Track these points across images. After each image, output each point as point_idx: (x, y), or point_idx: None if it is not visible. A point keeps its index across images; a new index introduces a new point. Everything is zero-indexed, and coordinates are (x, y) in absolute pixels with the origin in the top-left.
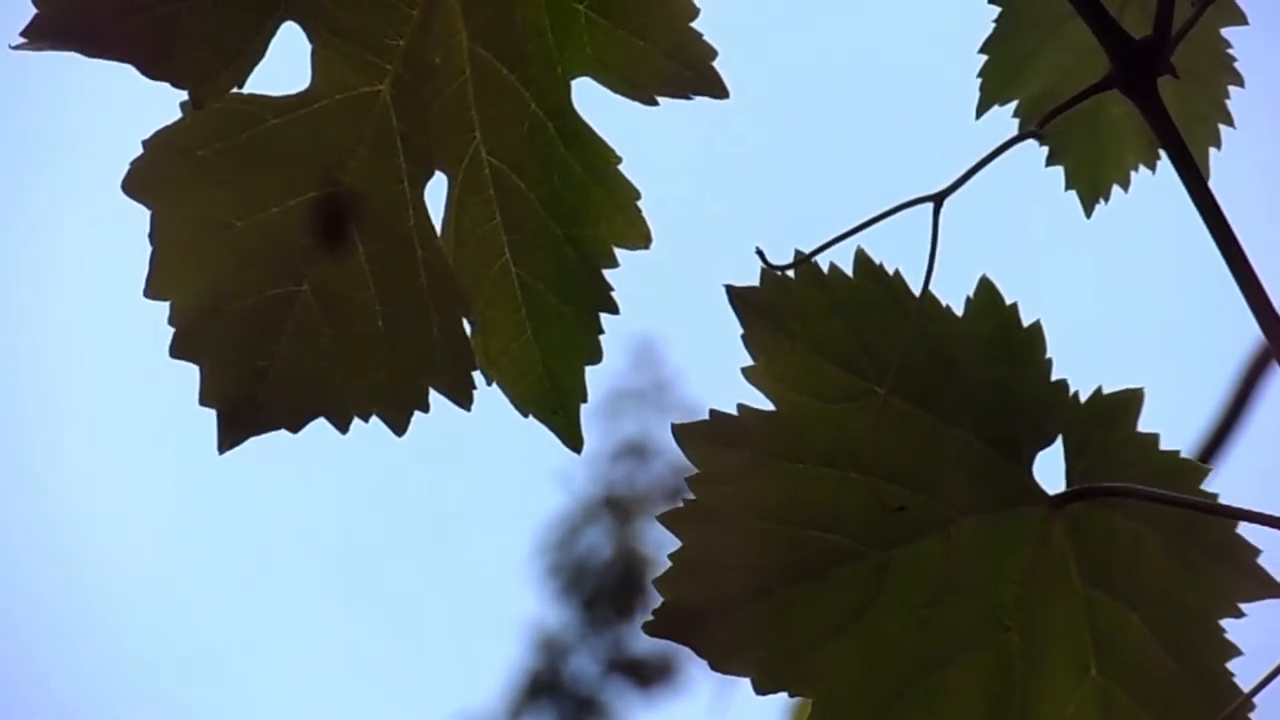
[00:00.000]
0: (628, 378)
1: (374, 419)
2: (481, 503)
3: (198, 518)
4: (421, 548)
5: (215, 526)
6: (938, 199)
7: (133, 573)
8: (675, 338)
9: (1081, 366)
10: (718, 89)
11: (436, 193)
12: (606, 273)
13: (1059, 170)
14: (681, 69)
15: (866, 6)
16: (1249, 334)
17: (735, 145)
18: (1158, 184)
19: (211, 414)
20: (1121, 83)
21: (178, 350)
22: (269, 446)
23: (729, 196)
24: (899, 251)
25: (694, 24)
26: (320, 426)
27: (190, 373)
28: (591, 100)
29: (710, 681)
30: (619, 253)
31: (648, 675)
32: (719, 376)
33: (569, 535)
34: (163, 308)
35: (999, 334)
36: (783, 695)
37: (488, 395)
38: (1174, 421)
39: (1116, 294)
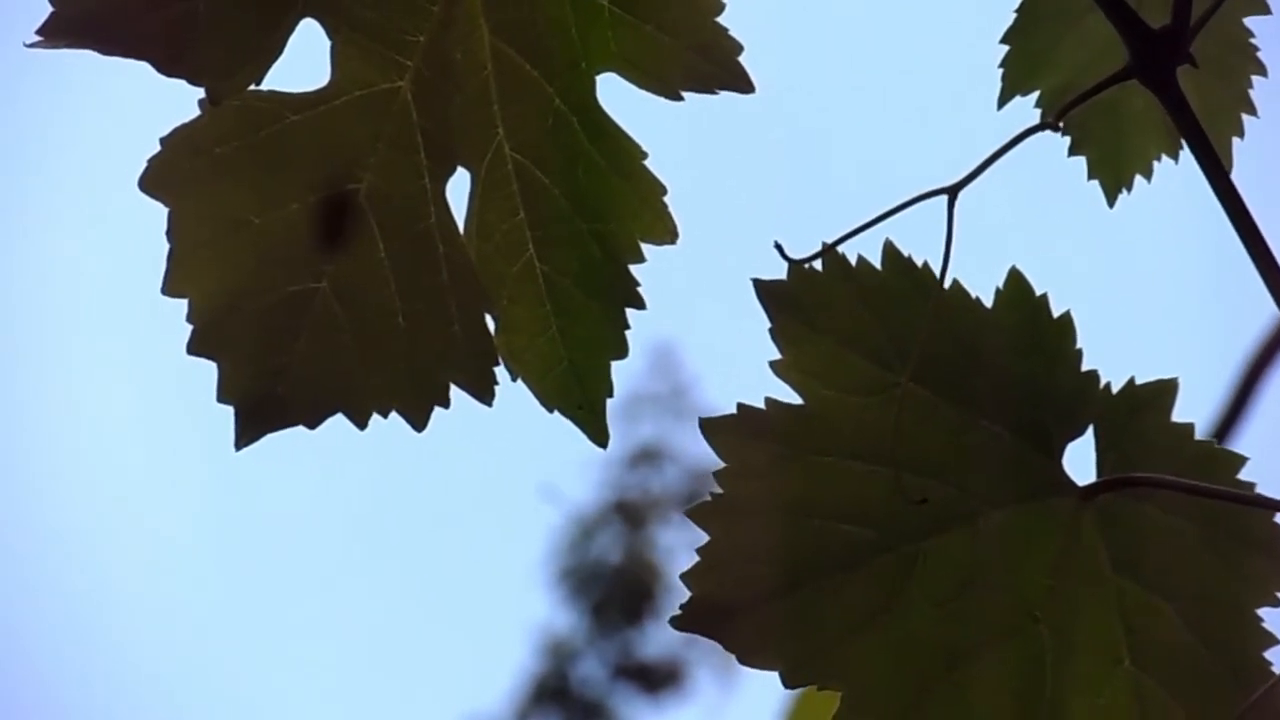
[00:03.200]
0: (645, 382)
1: (393, 416)
2: (492, 506)
3: (208, 519)
4: (431, 550)
5: (224, 528)
6: (952, 191)
7: (142, 575)
8: (693, 342)
9: (1094, 351)
10: (743, 83)
11: (459, 189)
12: (633, 268)
13: (1064, 161)
14: (706, 64)
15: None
16: (1256, 321)
17: (750, 140)
18: (1173, 171)
19: (228, 411)
20: (1140, 73)
21: (196, 347)
22: (277, 447)
23: (747, 195)
24: (925, 242)
25: (719, 19)
26: (332, 427)
27: (208, 370)
28: (617, 95)
29: (711, 684)
30: (645, 248)
31: (655, 680)
32: (737, 381)
33: (579, 540)
34: (180, 305)
35: (1029, 325)
36: (781, 698)
37: (501, 397)
38: (1183, 408)
39: (1121, 280)
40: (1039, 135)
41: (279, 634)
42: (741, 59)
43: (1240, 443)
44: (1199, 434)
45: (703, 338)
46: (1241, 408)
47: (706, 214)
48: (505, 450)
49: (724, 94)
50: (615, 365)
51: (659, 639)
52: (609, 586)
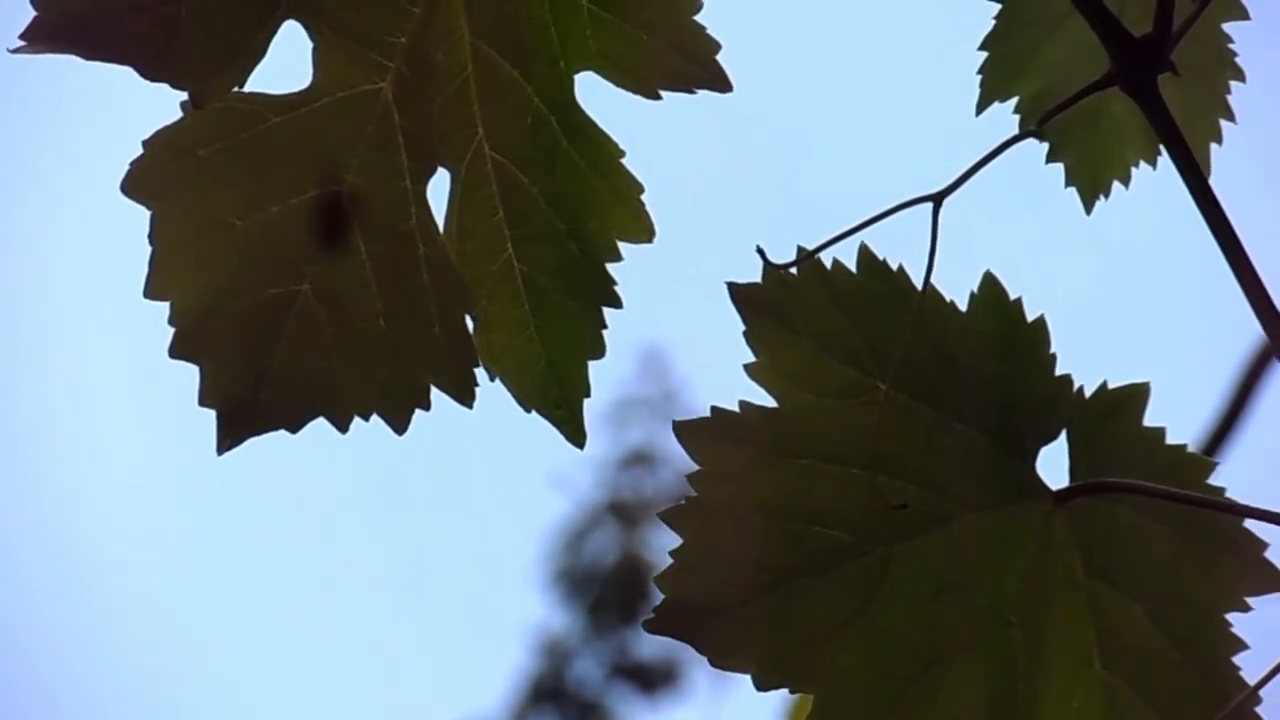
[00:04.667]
0: (636, 386)
1: (375, 419)
2: (487, 506)
3: (198, 522)
4: (427, 552)
5: (216, 531)
6: (937, 199)
7: (132, 578)
8: (683, 346)
9: (1082, 363)
10: (721, 83)
11: (439, 189)
12: (610, 266)
13: (1059, 167)
14: (685, 63)
15: (868, 3)
16: (1250, 330)
17: (735, 143)
18: (1159, 179)
19: (211, 414)
20: (1121, 81)
21: (177, 350)
22: (273, 447)
23: (735, 196)
24: (902, 249)
25: (697, 18)
26: (325, 429)
27: (190, 373)
28: (595, 95)
29: (707, 682)
30: (623, 246)
31: (651, 680)
32: (728, 385)
33: (574, 540)
34: (162, 308)
35: (1003, 329)
36: (780, 696)
37: (495, 398)
38: (1175, 418)
39: (1117, 290)
40: (1021, 141)
41: (275, 636)
42: (719, 58)
43: (1233, 451)
44: (1195, 443)
45: (693, 341)
46: (1235, 416)
47: (697, 217)
48: (500, 452)
49: (719, 101)
50: (607, 369)
51: (654, 639)
52: (604, 587)
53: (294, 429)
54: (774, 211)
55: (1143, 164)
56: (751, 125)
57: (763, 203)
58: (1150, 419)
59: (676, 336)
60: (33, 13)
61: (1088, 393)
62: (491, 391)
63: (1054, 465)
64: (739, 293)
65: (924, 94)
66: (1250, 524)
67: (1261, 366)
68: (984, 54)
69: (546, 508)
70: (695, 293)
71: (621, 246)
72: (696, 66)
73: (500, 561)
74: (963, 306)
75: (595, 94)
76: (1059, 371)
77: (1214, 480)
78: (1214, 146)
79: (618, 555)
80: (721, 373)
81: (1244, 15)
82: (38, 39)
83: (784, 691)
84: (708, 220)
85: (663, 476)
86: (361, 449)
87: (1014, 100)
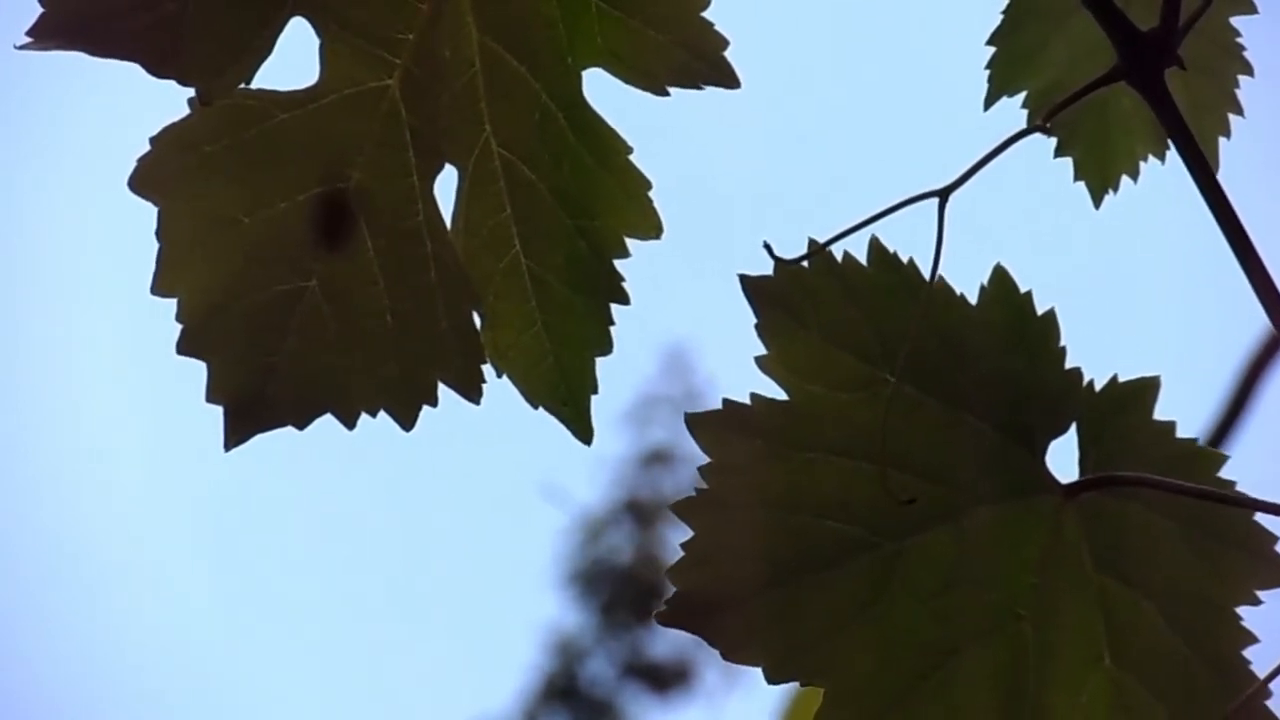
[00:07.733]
0: (658, 385)
1: (382, 415)
2: (501, 504)
3: (209, 519)
4: (440, 549)
5: (227, 528)
6: (943, 194)
7: (140, 576)
8: (707, 344)
9: (1090, 354)
10: (729, 79)
11: (446, 186)
12: (620, 263)
13: (1068, 161)
14: (693, 59)
15: None
16: (1255, 324)
17: (745, 138)
18: (1165, 173)
19: (219, 411)
20: (1128, 75)
21: (185, 347)
22: (283, 444)
23: (748, 194)
24: (914, 243)
25: (705, 14)
26: (334, 426)
27: (197, 370)
28: (603, 91)
29: (719, 681)
30: (641, 244)
31: (663, 679)
32: (752, 384)
33: (589, 539)
34: (170, 304)
35: (1013, 322)
36: (782, 692)
37: (507, 396)
38: (1181, 409)
39: (1124, 283)
40: (1028, 136)
41: (288, 633)
42: (728, 55)
43: (1237, 445)
44: (1198, 437)
45: (716, 339)
46: (1239, 410)
47: (717, 214)
48: (516, 449)
49: (729, 95)
50: (629, 367)
51: (667, 638)
52: (618, 586)
53: (301, 425)
54: (788, 208)
55: (1150, 158)
56: (763, 119)
57: (778, 198)
58: (1158, 411)
59: (700, 334)
60: (38, 9)
61: (1098, 386)
62: (504, 388)
63: (1064, 459)
64: (751, 285)
65: (933, 89)
66: (1259, 517)
67: (1266, 360)
68: (992, 49)
69: (561, 505)
70: (719, 290)
71: (638, 244)
72: (704, 63)
73: (514, 560)
74: (973, 299)
75: (603, 90)
76: (1069, 365)
77: (1224, 474)
78: (1222, 141)
79: (632, 554)
80: (746, 372)
81: (1251, 9)
82: (44, 36)
83: (786, 687)
84: (728, 217)
85: (682, 476)
86: (375, 446)
87: (1022, 95)
